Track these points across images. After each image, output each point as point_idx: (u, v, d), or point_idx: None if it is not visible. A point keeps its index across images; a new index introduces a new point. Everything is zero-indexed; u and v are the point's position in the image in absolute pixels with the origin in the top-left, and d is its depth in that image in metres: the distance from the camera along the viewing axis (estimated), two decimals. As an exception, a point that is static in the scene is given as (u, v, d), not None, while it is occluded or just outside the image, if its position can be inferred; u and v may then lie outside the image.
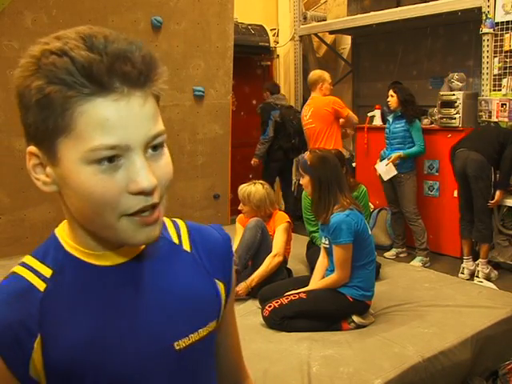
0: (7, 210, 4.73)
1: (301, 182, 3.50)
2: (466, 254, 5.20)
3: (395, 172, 5.46)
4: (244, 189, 4.02)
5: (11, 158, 4.62)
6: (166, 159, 0.85)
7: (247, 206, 4.00)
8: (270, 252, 3.84)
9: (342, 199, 3.24)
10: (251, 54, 7.67)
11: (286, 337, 3.12)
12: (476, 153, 4.92)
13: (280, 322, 3.21)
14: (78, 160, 0.78)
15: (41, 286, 0.86)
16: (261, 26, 7.54)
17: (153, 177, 0.80)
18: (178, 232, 1.02)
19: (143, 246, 0.93)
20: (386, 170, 5.50)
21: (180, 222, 1.05)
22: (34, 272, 0.88)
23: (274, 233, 3.97)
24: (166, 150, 0.85)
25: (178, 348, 0.93)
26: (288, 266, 4.12)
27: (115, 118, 0.77)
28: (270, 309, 3.24)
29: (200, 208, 5.84)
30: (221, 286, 1.03)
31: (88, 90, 0.75)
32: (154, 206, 0.82)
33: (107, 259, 0.90)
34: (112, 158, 0.78)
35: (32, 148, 0.83)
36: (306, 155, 3.44)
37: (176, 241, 1.01)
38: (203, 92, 5.67)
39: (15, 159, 4.62)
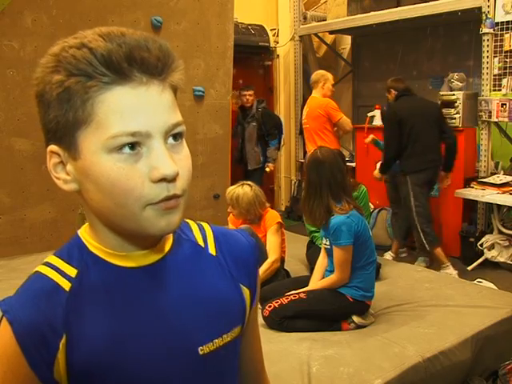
0: (7, 210, 4.73)
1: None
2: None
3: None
4: (232, 192, 3.94)
5: (11, 158, 4.62)
6: (186, 152, 0.85)
7: (236, 210, 3.93)
8: (265, 256, 3.77)
9: (343, 201, 3.22)
10: (251, 54, 7.67)
11: (285, 337, 3.12)
12: None
13: (280, 322, 3.20)
14: (98, 150, 0.78)
15: (66, 285, 0.86)
16: (261, 26, 7.55)
17: (174, 163, 0.80)
18: (204, 234, 1.01)
19: (167, 248, 0.93)
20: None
21: (205, 226, 1.04)
22: (59, 271, 0.87)
23: (265, 234, 3.91)
24: (185, 144, 0.85)
25: (201, 353, 0.92)
26: (288, 265, 4.10)
27: (134, 104, 0.78)
28: (269, 309, 3.23)
29: (200, 208, 5.84)
30: (246, 292, 1.01)
31: (107, 79, 0.76)
32: (175, 197, 0.82)
33: (132, 260, 0.89)
34: (133, 145, 0.78)
35: (52, 147, 0.83)
36: (308, 155, 3.41)
37: (201, 243, 1.00)
38: (203, 92, 5.67)
39: (15, 159, 4.62)
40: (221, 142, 5.96)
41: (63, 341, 0.83)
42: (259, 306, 3.44)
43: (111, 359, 0.85)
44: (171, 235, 0.94)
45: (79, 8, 4.72)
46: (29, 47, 4.50)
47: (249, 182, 4.03)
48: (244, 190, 3.90)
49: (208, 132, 5.83)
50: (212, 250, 1.00)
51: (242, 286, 1.00)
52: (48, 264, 0.89)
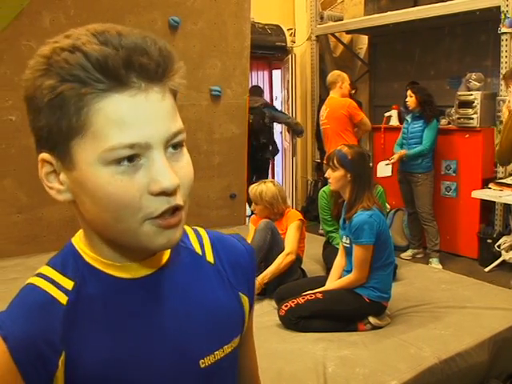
0: (25, 208, 4.77)
1: (327, 176, 3.40)
2: None
3: (390, 174, 5.59)
4: (255, 188, 4.01)
5: (29, 157, 4.64)
6: (186, 159, 0.80)
7: (260, 205, 3.98)
8: (282, 251, 3.81)
9: (366, 198, 3.23)
10: (268, 54, 7.67)
11: (301, 337, 3.11)
12: None
13: (296, 321, 3.20)
14: (95, 161, 0.73)
15: (62, 298, 0.82)
16: (277, 26, 7.53)
17: (175, 176, 0.75)
18: (201, 242, 0.98)
19: (165, 258, 0.89)
20: (383, 168, 5.62)
21: (202, 232, 1.00)
22: (55, 284, 0.83)
23: (286, 231, 3.94)
24: (185, 150, 0.81)
25: (203, 366, 0.89)
26: (304, 265, 4.10)
27: (133, 114, 0.73)
28: (286, 308, 3.23)
29: (216, 207, 5.85)
30: (245, 300, 0.99)
31: (103, 86, 0.71)
32: (176, 209, 0.77)
33: (129, 272, 0.85)
34: (131, 157, 0.73)
35: (44, 155, 0.79)
36: (344, 149, 3.39)
37: (199, 251, 0.96)
38: (220, 92, 5.67)
39: (33, 158, 4.56)
40: (237, 142, 5.96)
41: (62, 358, 0.79)
42: (275, 306, 3.45)
43: (111, 376, 0.82)
44: None
45: (97, 8, 4.74)
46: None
47: (271, 180, 4.13)
48: (267, 185, 3.99)
49: (224, 132, 5.84)
50: (210, 257, 0.96)
51: (240, 294, 0.98)
52: (42, 276, 0.84)
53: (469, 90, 5.78)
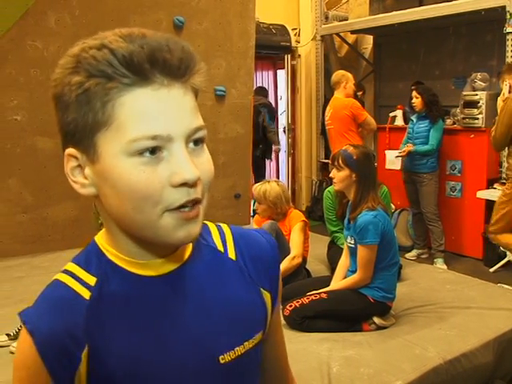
0: (30, 208, 4.78)
1: (332, 175, 3.41)
2: None
3: (398, 167, 5.63)
4: (259, 187, 3.98)
5: (34, 156, 4.67)
6: (207, 156, 0.83)
7: (263, 205, 3.95)
8: (287, 252, 3.79)
9: (371, 198, 3.22)
10: (273, 54, 7.67)
11: (306, 337, 3.11)
12: None
13: (301, 321, 3.20)
14: (118, 153, 0.76)
15: (86, 294, 0.84)
16: (282, 26, 7.55)
17: (196, 168, 0.78)
18: (223, 239, 0.99)
19: (187, 255, 0.91)
20: (393, 160, 5.66)
21: (225, 228, 1.01)
22: (78, 280, 0.86)
23: (289, 232, 3.92)
24: (206, 148, 0.83)
25: (222, 361, 0.90)
26: (309, 265, 4.10)
27: (156, 107, 0.76)
28: (290, 308, 3.23)
29: (221, 207, 5.85)
30: (267, 296, 0.99)
31: (128, 81, 0.75)
32: (196, 202, 0.80)
33: (151, 269, 0.87)
34: (154, 149, 0.76)
35: (70, 150, 0.81)
36: (350, 149, 3.38)
37: (221, 249, 0.97)
38: (225, 92, 5.68)
39: (38, 158, 4.67)
40: (242, 142, 5.96)
41: (85, 352, 0.82)
42: (280, 305, 3.44)
43: (132, 370, 0.84)
44: None
45: (102, 8, 4.75)
46: (52, 47, 4.54)
47: (275, 179, 4.11)
48: (271, 185, 3.96)
49: (229, 131, 5.84)
50: (232, 254, 0.98)
51: (262, 290, 0.98)
52: (67, 272, 0.88)
53: (474, 89, 5.77)
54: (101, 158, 0.78)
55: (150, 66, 0.75)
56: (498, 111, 4.46)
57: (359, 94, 6.84)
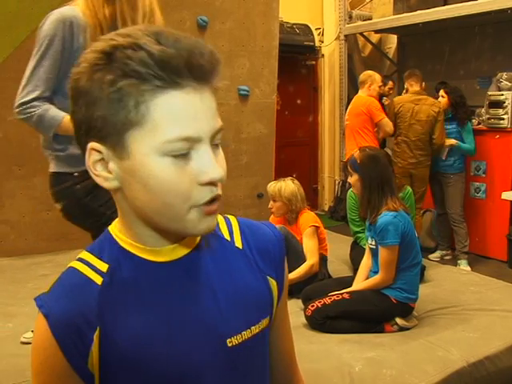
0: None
1: (349, 181, 3.46)
2: None
3: (444, 158, 5.46)
4: (274, 184, 3.98)
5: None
6: (222, 154, 0.88)
7: (278, 202, 3.93)
8: (299, 253, 3.78)
9: (390, 200, 3.21)
10: (296, 54, 7.66)
11: (327, 338, 3.10)
12: None
13: (322, 322, 3.19)
14: (151, 152, 0.79)
15: (98, 279, 0.89)
16: (306, 26, 7.53)
17: (220, 168, 0.84)
18: (230, 229, 1.03)
19: (196, 242, 0.95)
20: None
21: (232, 219, 1.06)
22: (91, 266, 0.90)
23: (300, 236, 3.89)
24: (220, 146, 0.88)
25: (230, 345, 0.93)
26: (331, 266, 4.09)
27: (189, 110, 0.80)
28: (312, 308, 3.23)
29: (243, 207, 5.86)
30: (273, 284, 1.03)
31: (162, 83, 0.77)
32: (217, 198, 0.85)
33: (162, 255, 0.91)
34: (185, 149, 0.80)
35: (94, 144, 0.82)
36: (356, 153, 3.40)
37: (227, 237, 1.01)
38: (248, 91, 5.68)
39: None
40: (265, 142, 5.96)
41: (97, 333, 0.86)
42: (301, 306, 3.44)
43: (142, 353, 0.87)
44: None
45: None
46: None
47: (290, 178, 4.08)
48: (286, 182, 3.96)
49: (252, 131, 5.84)
50: (238, 243, 1.02)
51: (269, 277, 1.02)
52: (81, 259, 0.92)
53: (499, 89, 5.71)
54: (131, 156, 0.81)
55: (187, 71, 0.78)
56: None
57: (389, 84, 6.72)
